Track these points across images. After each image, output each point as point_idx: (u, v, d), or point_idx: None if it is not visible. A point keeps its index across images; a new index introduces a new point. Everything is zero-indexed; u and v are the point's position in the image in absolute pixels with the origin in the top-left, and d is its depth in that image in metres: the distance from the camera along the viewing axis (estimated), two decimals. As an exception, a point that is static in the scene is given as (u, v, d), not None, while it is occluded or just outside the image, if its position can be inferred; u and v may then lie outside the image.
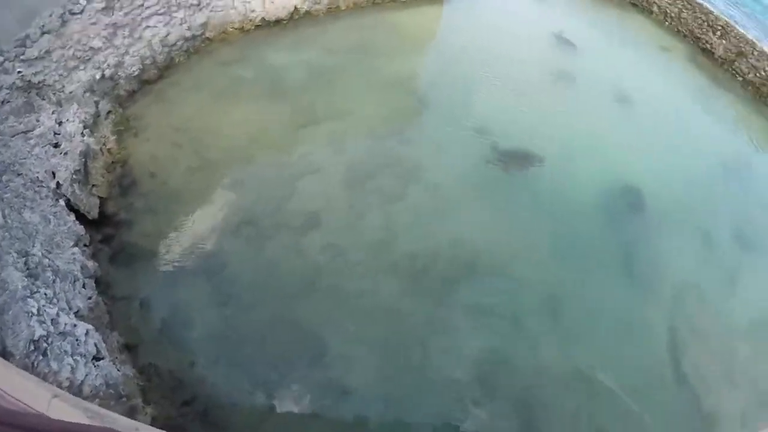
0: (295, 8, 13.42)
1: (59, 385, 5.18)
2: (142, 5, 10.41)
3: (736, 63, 18.09)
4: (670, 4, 19.36)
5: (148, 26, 10.69)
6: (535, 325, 8.27)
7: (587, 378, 7.89)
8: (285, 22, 13.24)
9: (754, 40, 17.36)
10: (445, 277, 8.48)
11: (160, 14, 10.84)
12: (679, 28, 19.25)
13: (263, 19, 12.89)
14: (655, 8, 19.85)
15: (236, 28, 12.53)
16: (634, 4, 19.92)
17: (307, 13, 13.78)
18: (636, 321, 8.88)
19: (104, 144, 9.18)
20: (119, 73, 10.17)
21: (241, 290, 7.85)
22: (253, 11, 12.70)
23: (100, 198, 8.41)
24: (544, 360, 7.91)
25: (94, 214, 8.13)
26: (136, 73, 10.49)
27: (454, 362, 7.57)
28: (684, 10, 19.16)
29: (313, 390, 7.07)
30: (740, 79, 17.73)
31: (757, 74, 17.68)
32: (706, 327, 9.46)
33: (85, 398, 5.37)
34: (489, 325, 8.14)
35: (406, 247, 8.70)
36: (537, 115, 12.43)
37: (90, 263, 7.44)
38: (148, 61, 10.71)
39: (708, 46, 18.61)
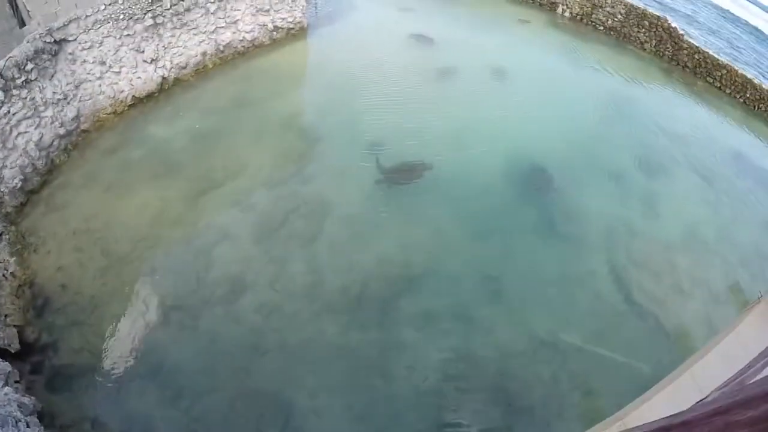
0: (163, 79, 13.13)
1: None
2: (8, 112, 9.82)
3: (594, 15, 19.69)
4: (522, -21, 20.97)
5: (19, 133, 10.10)
6: (484, 312, 8.43)
7: (551, 343, 8.11)
8: (156, 94, 12.93)
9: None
10: (382, 298, 8.46)
11: (28, 117, 10.27)
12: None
13: (134, 96, 12.54)
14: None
15: (110, 113, 12.11)
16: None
17: (177, 80, 13.53)
18: (576, 273, 9.25)
19: (5, 269, 8.58)
20: (1, 189, 9.59)
21: (191, 378, 7.53)
22: (122, 91, 12.33)
23: (17, 327, 7.82)
24: (505, 341, 8.03)
25: (15, 346, 7.59)
26: (19, 185, 9.91)
27: (420, 374, 7.54)
28: (537, -20, 20.90)
29: None
30: (601, 28, 19.50)
31: (615, 19, 19.47)
32: (643, 254, 10.06)
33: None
34: (439, 328, 8.20)
35: (335, 282, 8.64)
36: (426, 116, 12.71)
37: (27, 399, 6.92)
38: (28, 170, 10.14)
39: (565, 7, 20.14)
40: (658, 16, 18.38)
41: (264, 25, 15.48)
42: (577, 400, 7.62)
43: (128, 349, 7.82)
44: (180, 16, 13.24)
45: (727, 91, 17.29)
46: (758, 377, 4.56)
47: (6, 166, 9.79)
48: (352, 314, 8.14)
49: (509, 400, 7.36)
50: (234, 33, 14.79)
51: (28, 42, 10.47)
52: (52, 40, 10.96)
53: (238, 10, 14.70)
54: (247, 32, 15.13)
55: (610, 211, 10.60)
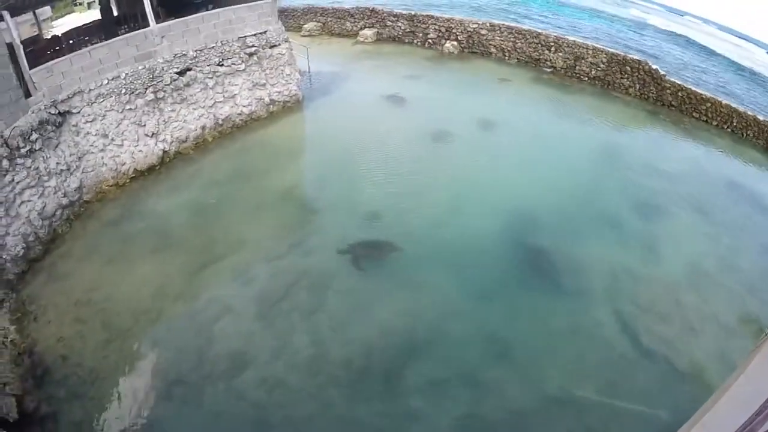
0: (164, 152, 13.34)
1: None
2: (13, 181, 9.85)
3: (577, 67, 20.65)
4: (503, 41, 22.15)
5: (22, 201, 10.11)
6: (493, 375, 8.18)
7: (564, 400, 7.83)
8: (158, 167, 13.08)
9: (584, 42, 20.35)
10: (387, 368, 8.23)
11: (32, 186, 10.30)
12: (519, 57, 21.93)
13: (135, 169, 12.69)
14: (492, 49, 22.54)
15: (111, 185, 12.21)
16: (474, 52, 22.60)
17: (177, 153, 13.75)
18: (583, 325, 9.08)
19: (5, 336, 8.34)
20: (3, 257, 9.49)
21: None
22: (123, 164, 12.50)
23: (16, 396, 7.47)
24: (516, 402, 7.75)
25: (14, 415, 7.23)
26: (21, 252, 9.82)
27: None
28: (517, 41, 21.99)
29: None
30: (586, 78, 20.35)
31: (598, 68, 20.32)
32: (648, 297, 9.95)
33: None
34: (447, 394, 7.92)
35: (338, 354, 8.42)
36: (422, 182, 12.89)
37: None
38: (31, 238, 10.08)
39: (548, 63, 21.25)
40: (639, 60, 19.12)
41: (261, 99, 15.91)
42: None
43: (129, 423, 7.47)
44: (180, 92, 13.62)
45: (714, 123, 17.78)
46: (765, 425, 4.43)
47: (9, 233, 9.73)
48: (357, 386, 7.90)
49: None
50: (232, 107, 15.17)
51: (33, 113, 10.62)
52: (57, 111, 11.15)
53: (236, 84, 15.15)
54: (244, 106, 15.52)
55: (610, 259, 10.55)
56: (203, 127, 14.48)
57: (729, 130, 17.56)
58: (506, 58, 21.89)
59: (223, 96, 15.01)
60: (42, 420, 7.51)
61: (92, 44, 12.35)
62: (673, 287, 10.14)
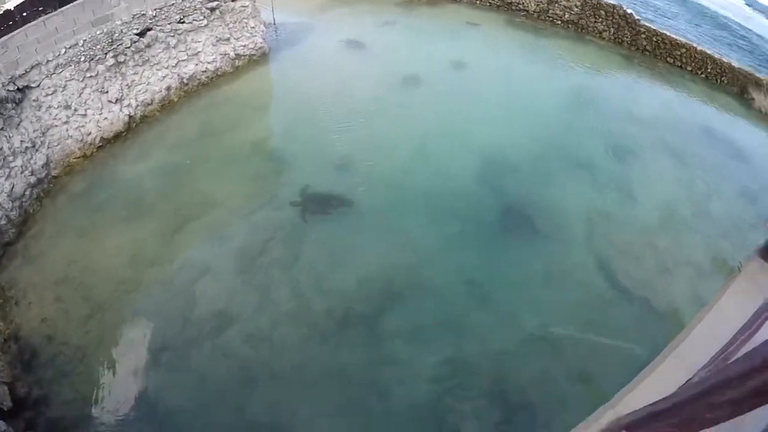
0: (130, 117, 12.86)
1: None
2: None
3: (550, 11, 19.90)
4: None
5: None
6: (472, 318, 8.29)
7: (543, 338, 8.04)
8: (124, 133, 12.66)
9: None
10: (367, 316, 8.28)
11: None
12: (491, 1, 20.85)
13: (102, 138, 12.26)
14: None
15: (79, 157, 11.82)
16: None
17: (144, 117, 13.26)
18: (561, 267, 9.21)
19: None
20: None
21: (187, 419, 7.22)
22: (89, 134, 12.05)
23: (7, 384, 7.46)
24: (496, 343, 7.91)
25: (7, 403, 7.24)
26: None
27: (414, 387, 7.33)
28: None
29: None
30: (559, 22, 19.65)
31: (572, 12, 19.60)
32: (624, 240, 10.05)
33: None
34: (428, 338, 8.01)
35: (319, 305, 8.44)
36: (392, 126, 12.69)
37: None
38: (2, 222, 9.76)
39: (521, 6, 20.32)
40: (613, 5, 18.59)
41: (225, 54, 15.28)
42: (576, 389, 7.53)
43: (121, 395, 7.52)
44: (141, 53, 13.01)
45: (689, 68, 17.57)
46: (740, 352, 4.58)
47: (-21, 220, 9.50)
48: (339, 336, 7.96)
49: (508, 400, 7.24)
50: (196, 65, 14.56)
51: (-10, 92, 10.20)
52: (15, 88, 10.65)
53: (199, 41, 14.50)
54: (209, 63, 14.91)
55: (586, 203, 10.60)
56: (168, 88, 13.90)
57: (703, 76, 17.40)
58: (478, 2, 20.96)
59: (187, 54, 14.37)
60: (35, 404, 7.52)
61: (46, 14, 11.55)
62: (648, 230, 10.26)
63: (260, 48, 16.10)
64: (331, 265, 9.12)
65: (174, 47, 13.83)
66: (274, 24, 17.79)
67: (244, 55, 15.70)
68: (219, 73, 15.13)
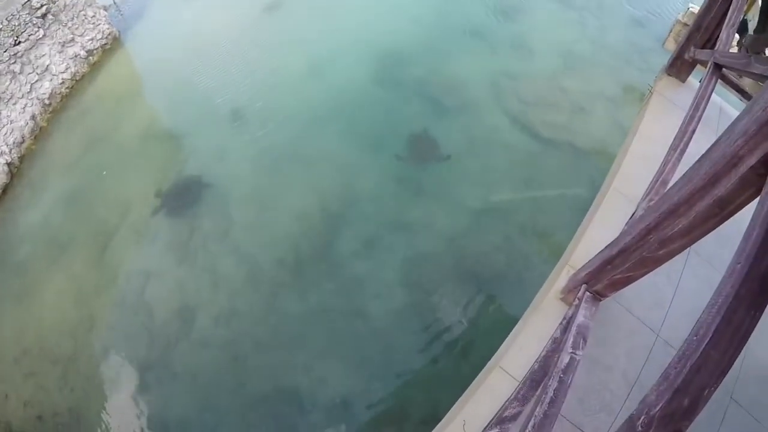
0: (9, 165, 11.50)
1: None
2: None
3: None
4: None
5: None
6: (416, 214, 8.15)
7: (488, 209, 8.01)
8: (10, 182, 11.34)
9: None
10: (319, 251, 8.02)
11: None
12: None
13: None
14: None
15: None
16: None
17: (21, 157, 11.95)
18: (480, 136, 9.04)
19: None
20: None
21: (198, 422, 7.05)
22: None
23: None
24: (447, 229, 7.84)
25: None
26: None
27: (388, 297, 7.33)
28: None
29: (324, 428, 6.65)
30: None
31: None
32: (533, 93, 9.82)
33: None
34: (383, 247, 7.84)
35: (269, 259, 8.14)
36: (276, 58, 11.88)
37: None
38: None
39: None
40: None
41: (76, 56, 13.83)
42: (536, 247, 7.61)
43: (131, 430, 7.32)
44: (-10, 96, 11.70)
45: None
46: (676, 173, 4.35)
47: None
48: (300, 280, 7.73)
49: (477, 275, 7.27)
50: (51, 80, 13.12)
51: None
52: None
53: (44, 54, 12.97)
54: (63, 72, 13.48)
55: (486, 68, 10.30)
56: (33, 117, 12.52)
57: None
58: None
59: (37, 74, 12.86)
60: None
61: None
62: (554, 77, 10.06)
63: (109, 34, 14.58)
64: (264, 216, 8.72)
65: (21, 73, 12.33)
66: (114, 2, 16.01)
67: (95, 49, 14.23)
68: (78, 78, 13.74)
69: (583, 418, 3.61)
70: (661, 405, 1.72)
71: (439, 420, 4.13)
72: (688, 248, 3.93)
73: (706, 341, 1.73)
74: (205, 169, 9.83)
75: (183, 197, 9.49)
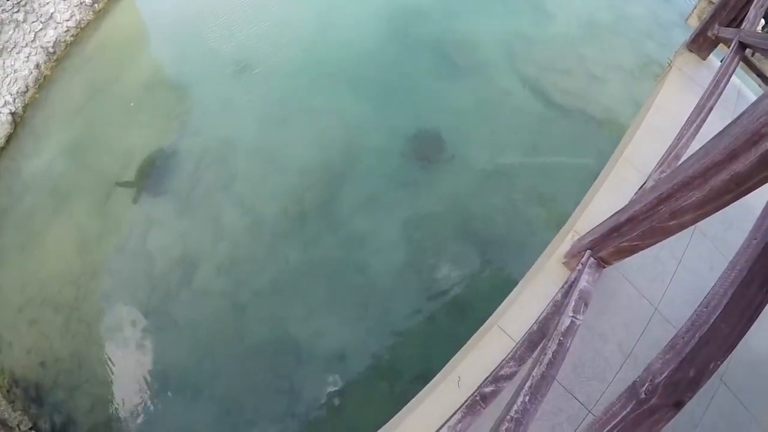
0: (12, 114, 11.55)
1: None
2: None
3: None
4: None
5: None
6: (422, 175, 8.09)
7: (494, 171, 7.94)
8: (15, 132, 11.40)
9: None
10: (322, 204, 8.02)
11: None
12: None
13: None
14: None
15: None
16: None
17: (26, 106, 11.90)
18: (492, 98, 8.85)
19: None
20: None
21: (197, 369, 7.20)
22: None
23: (31, 429, 7.45)
24: (452, 188, 7.77)
25: None
26: None
27: (390, 253, 7.32)
28: None
29: (319, 379, 6.77)
30: None
31: None
32: (548, 57, 9.46)
33: None
34: (386, 204, 7.79)
35: (272, 211, 8.11)
36: (286, 10, 11.60)
37: None
38: None
39: None
40: None
41: (81, 3, 13.51)
42: (538, 213, 7.52)
43: (130, 380, 7.42)
44: (-7, 45, 11.43)
45: None
46: (690, 149, 4.23)
47: None
48: (301, 232, 7.71)
49: (478, 237, 7.23)
50: (55, 28, 12.89)
51: None
52: None
53: (48, 2, 12.64)
54: (67, 20, 13.20)
55: (502, 28, 9.97)
56: (37, 66, 12.36)
57: None
58: None
59: (41, 22, 12.60)
60: (63, 428, 7.42)
61: None
62: (570, 43, 9.66)
63: (114, -22, 14.24)
64: (268, 169, 8.63)
65: (24, 22, 12.07)
66: (119, -52, 15.66)
67: (99, -5, 13.83)
68: (82, 26, 13.48)
69: (576, 384, 3.57)
70: (666, 373, 1.71)
71: (433, 377, 4.11)
72: (693, 226, 3.91)
73: (717, 313, 1.68)
74: (210, 121, 9.70)
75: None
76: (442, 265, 7.15)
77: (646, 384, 1.78)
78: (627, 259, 3.77)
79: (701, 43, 6.37)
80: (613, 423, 1.84)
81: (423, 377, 3.89)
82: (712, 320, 1.74)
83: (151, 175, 9.17)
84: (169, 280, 7.79)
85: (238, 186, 8.46)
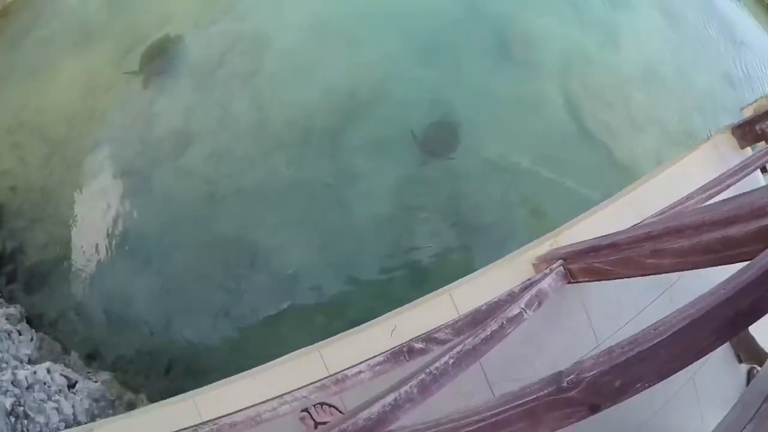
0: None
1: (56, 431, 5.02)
2: None
3: None
4: None
5: None
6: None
7: (502, 166, 7.65)
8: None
9: None
10: (330, 129, 7.84)
11: None
12: None
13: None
14: None
15: (13, -3, 10.29)
16: None
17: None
18: (529, 98, 8.50)
19: None
20: None
21: (155, 241, 7.28)
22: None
23: None
24: (457, 164, 7.63)
25: None
26: None
27: (376, 201, 7.30)
28: None
29: (265, 291, 6.85)
30: None
31: None
32: (598, 84, 9.13)
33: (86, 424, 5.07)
34: (391, 153, 7.72)
35: (281, 117, 7.96)
36: None
37: (12, 309, 6.86)
38: None
39: None
40: None
41: None
42: (527, 221, 7.36)
43: (92, 227, 7.50)
44: None
45: None
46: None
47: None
48: (302, 148, 7.62)
49: (464, 221, 7.16)
50: None
51: None
52: None
53: None
54: None
55: (567, 37, 9.54)
56: None
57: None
58: None
59: None
60: (12, 256, 7.53)
61: None
62: (624, 80, 9.19)
63: None
64: (295, 76, 8.45)
65: None
66: None
67: None
68: None
69: (498, 380, 3.51)
70: (594, 372, 1.71)
71: (370, 327, 4.03)
72: (665, 289, 4.08)
73: (662, 338, 1.62)
74: (258, 11, 9.46)
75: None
76: (419, 231, 7.09)
77: (572, 376, 1.76)
78: (590, 290, 3.76)
79: (746, 132, 6.33)
80: (528, 399, 1.83)
81: (361, 322, 3.98)
82: (654, 342, 1.73)
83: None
84: (160, 148, 7.72)
85: (258, 82, 8.29)
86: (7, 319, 6.59)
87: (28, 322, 6.90)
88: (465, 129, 7.87)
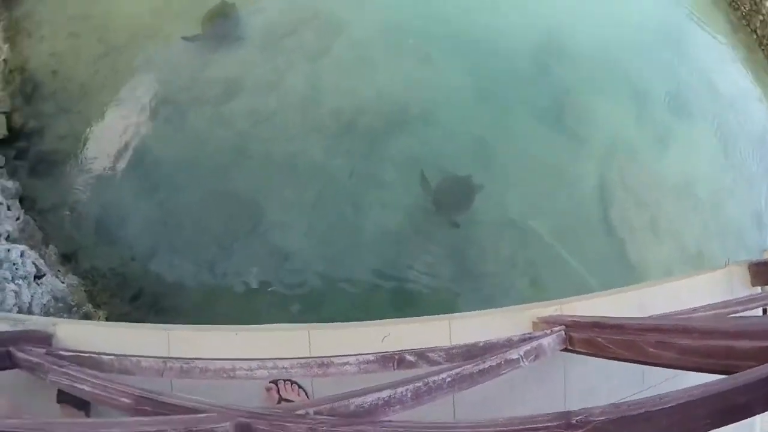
0: None
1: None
2: None
3: None
4: None
5: None
6: (466, 171, 8.04)
7: (519, 226, 7.75)
8: None
9: None
10: (372, 131, 7.95)
11: None
12: None
13: None
14: None
15: None
16: None
17: None
18: (567, 170, 8.65)
19: None
20: None
21: (170, 173, 7.32)
22: None
23: (5, 113, 7.49)
24: (477, 207, 7.72)
25: (3, 131, 7.34)
26: None
27: (389, 213, 7.41)
28: None
29: (255, 260, 6.88)
30: None
31: None
32: (635, 180, 9.26)
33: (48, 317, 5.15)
34: (420, 178, 7.77)
35: (330, 103, 8.06)
36: None
37: (10, 183, 6.85)
38: None
39: None
40: None
41: None
42: (523, 285, 7.45)
43: (114, 137, 7.52)
44: None
45: None
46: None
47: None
48: (339, 139, 7.73)
49: (465, 263, 7.23)
50: None
51: None
52: None
53: None
54: None
55: (621, 124, 9.66)
56: None
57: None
58: None
59: None
60: (29, 135, 7.51)
61: None
62: (659, 186, 9.42)
63: None
64: (357, 69, 8.55)
65: None
66: None
67: None
68: None
69: (465, 418, 3.77)
70: (603, 419, 1.78)
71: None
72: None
73: (666, 407, 1.81)
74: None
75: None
76: (419, 257, 7.14)
77: (581, 416, 1.84)
78: (575, 364, 3.80)
79: (762, 272, 6.43)
80: (536, 426, 1.92)
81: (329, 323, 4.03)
82: (659, 408, 1.84)
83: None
84: (207, 89, 7.79)
85: (321, 62, 8.40)
86: (2, 190, 6.62)
87: (20, 201, 6.93)
88: (494, 177, 7.97)
